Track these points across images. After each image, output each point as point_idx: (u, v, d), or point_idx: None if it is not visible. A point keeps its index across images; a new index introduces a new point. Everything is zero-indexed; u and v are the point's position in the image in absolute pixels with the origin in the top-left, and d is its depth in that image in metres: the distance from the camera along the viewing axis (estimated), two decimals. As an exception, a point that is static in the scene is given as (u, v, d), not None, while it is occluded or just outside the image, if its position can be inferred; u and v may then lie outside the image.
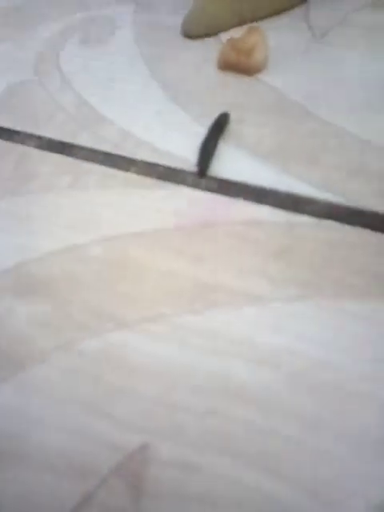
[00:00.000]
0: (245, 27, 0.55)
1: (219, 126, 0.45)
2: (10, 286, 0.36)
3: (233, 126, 0.46)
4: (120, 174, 0.44)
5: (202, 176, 0.42)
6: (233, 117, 0.47)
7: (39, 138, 0.49)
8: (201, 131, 0.46)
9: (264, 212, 0.40)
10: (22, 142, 0.49)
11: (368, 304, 0.33)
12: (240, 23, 0.57)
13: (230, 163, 0.44)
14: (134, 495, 0.26)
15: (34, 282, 0.36)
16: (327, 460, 0.27)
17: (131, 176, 0.44)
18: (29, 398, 0.30)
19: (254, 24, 0.55)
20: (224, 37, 0.56)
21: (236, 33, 0.56)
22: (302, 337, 0.33)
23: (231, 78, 0.52)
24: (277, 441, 0.28)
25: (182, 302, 0.34)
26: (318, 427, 0.29)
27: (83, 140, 0.48)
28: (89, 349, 0.32)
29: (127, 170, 0.44)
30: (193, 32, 0.56)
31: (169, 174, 0.43)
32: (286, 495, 0.26)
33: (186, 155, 0.45)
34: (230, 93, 0.50)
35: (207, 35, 0.57)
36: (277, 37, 0.56)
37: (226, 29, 0.57)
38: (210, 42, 0.56)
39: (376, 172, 0.41)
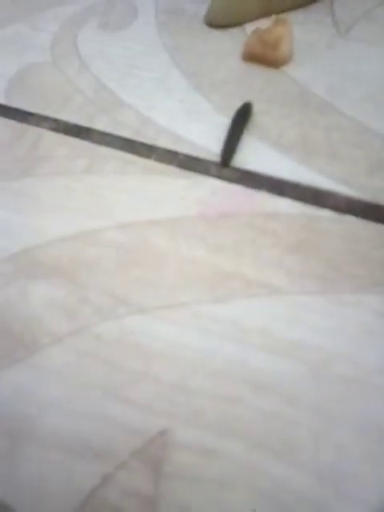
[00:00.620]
0: (270, 19, 0.56)
1: (243, 117, 0.46)
2: (23, 269, 0.37)
3: (256, 118, 0.47)
4: (140, 161, 0.45)
5: (225, 166, 0.43)
6: (257, 108, 0.48)
7: (55, 120, 0.49)
8: (224, 122, 0.47)
9: (284, 204, 0.41)
10: (37, 124, 0.49)
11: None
12: (265, 14, 0.58)
13: (252, 154, 0.44)
14: (154, 478, 0.27)
15: (47, 265, 0.37)
16: (342, 450, 0.28)
17: (151, 163, 0.45)
18: (43, 380, 0.31)
19: (281, 16, 0.56)
20: (249, 28, 0.57)
21: (261, 24, 0.57)
22: (318, 330, 0.33)
23: (256, 70, 0.53)
24: (293, 429, 0.29)
25: (201, 289, 0.35)
26: (335, 418, 0.29)
27: (101, 124, 0.49)
28: (105, 333, 0.33)
29: (147, 156, 0.45)
30: (217, 21, 0.57)
31: (191, 163, 0.44)
32: (301, 482, 0.27)
33: (208, 145, 0.45)
34: (254, 84, 0.51)
35: (231, 25, 0.58)
36: (301, 30, 0.57)
37: (251, 19, 0.58)
38: (234, 32, 0.57)
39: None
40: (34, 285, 0.36)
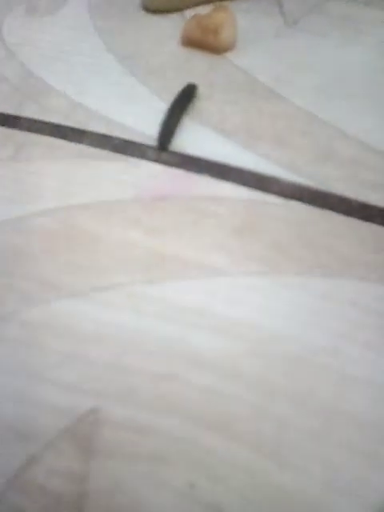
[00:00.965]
0: (210, 5, 0.60)
1: (185, 98, 0.49)
2: None
3: (198, 102, 0.50)
4: (70, 146, 0.47)
5: (162, 149, 0.46)
6: (198, 92, 0.51)
7: (-21, 109, 0.51)
8: (162, 106, 0.50)
9: (227, 189, 0.44)
10: None
11: (329, 282, 0.37)
12: (205, 1, 0.61)
13: (193, 139, 0.47)
14: (84, 457, 0.28)
15: (-30, 253, 0.38)
16: (283, 424, 0.30)
17: (83, 148, 0.47)
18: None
19: (222, 2, 0.60)
20: (189, 13, 0.61)
21: (201, 10, 0.60)
22: (260, 310, 0.36)
23: (197, 55, 0.56)
24: (231, 404, 0.31)
25: (136, 271, 0.37)
26: (277, 394, 0.32)
27: (29, 112, 0.51)
28: (32, 318, 0.35)
29: (79, 141, 0.47)
30: (154, 6, 0.61)
31: (126, 147, 0.47)
32: (239, 455, 0.29)
33: (145, 129, 0.48)
34: (194, 69, 0.54)
35: (170, 11, 0.61)
36: (247, 19, 0.61)
37: (190, 5, 0.61)
38: (173, 17, 0.61)
39: (343, 158, 0.46)
40: None
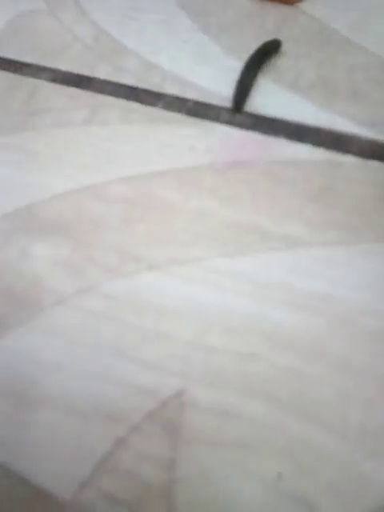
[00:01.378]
0: None
1: (262, 55, 0.44)
2: (22, 227, 0.36)
3: (271, 59, 0.46)
4: (145, 109, 0.44)
5: (237, 111, 0.41)
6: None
7: (53, 70, 0.48)
8: (235, 65, 0.46)
9: (303, 151, 0.40)
10: (34, 75, 0.48)
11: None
12: None
13: (267, 98, 0.43)
14: (171, 442, 0.26)
15: (48, 222, 0.36)
16: (371, 408, 0.27)
17: (157, 111, 0.43)
18: (49, 341, 0.30)
19: None
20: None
21: None
22: (342, 283, 0.33)
23: (268, 8, 0.51)
24: (316, 387, 0.28)
25: (213, 244, 0.34)
26: (362, 374, 0.29)
27: (103, 73, 0.47)
28: (114, 291, 0.32)
29: (153, 104, 0.44)
30: None
31: (200, 110, 0.43)
32: (327, 443, 0.26)
33: (218, 90, 0.44)
34: (267, 23, 0.50)
35: None
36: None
37: None
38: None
39: None
40: (35, 243, 0.35)
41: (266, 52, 0.45)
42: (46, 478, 0.26)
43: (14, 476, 0.26)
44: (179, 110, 0.43)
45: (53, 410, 0.28)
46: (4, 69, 0.48)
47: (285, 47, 0.47)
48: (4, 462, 0.26)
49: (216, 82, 0.45)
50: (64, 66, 0.48)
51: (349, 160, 0.38)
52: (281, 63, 0.46)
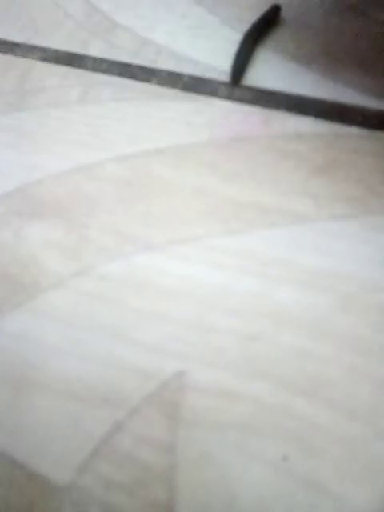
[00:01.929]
0: None
1: (263, 25, 0.43)
2: (17, 208, 0.36)
3: (270, 29, 0.45)
4: (139, 86, 0.43)
5: (235, 83, 0.41)
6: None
7: (44, 49, 0.48)
8: (233, 36, 0.45)
9: (306, 124, 0.39)
10: (25, 55, 0.48)
11: None
12: None
13: (267, 71, 0.43)
14: (171, 424, 0.26)
15: (43, 203, 0.36)
16: (379, 387, 0.27)
17: (152, 87, 0.43)
18: (45, 324, 0.30)
19: None
20: None
21: None
22: (349, 258, 0.32)
23: (266, -23, 0.50)
24: (322, 366, 0.28)
25: (214, 221, 0.34)
26: (370, 352, 0.28)
27: (96, 50, 0.47)
28: (111, 273, 0.32)
29: (148, 80, 0.44)
30: None
31: (196, 85, 0.42)
32: (334, 422, 0.26)
33: (216, 63, 0.44)
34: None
35: None
36: None
37: None
38: None
39: None
40: (29, 225, 0.35)
41: (266, 21, 0.44)
42: (43, 462, 0.26)
43: (11, 461, 0.26)
44: (174, 86, 0.43)
45: (51, 394, 0.28)
46: (-6, 49, 0.48)
47: (284, 16, 0.46)
48: (2, 447, 0.26)
49: (213, 55, 0.44)
50: (56, 44, 0.48)
51: (354, 131, 0.38)
52: (281, 33, 0.45)
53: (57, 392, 0.28)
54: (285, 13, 0.47)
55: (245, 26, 0.45)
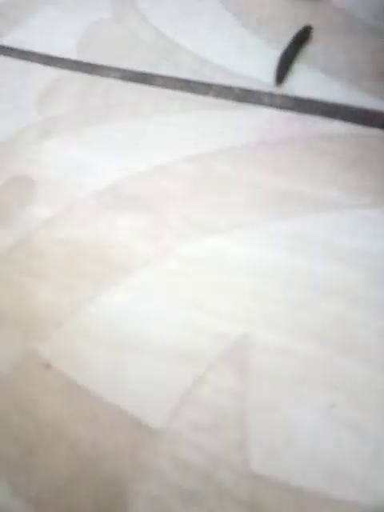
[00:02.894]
0: None
1: (298, 41, 0.40)
2: (108, 203, 0.35)
3: (304, 47, 0.42)
4: (199, 98, 0.41)
5: (279, 82, 0.38)
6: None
7: (122, 70, 0.46)
8: (273, 54, 0.42)
9: (337, 126, 0.36)
10: (107, 75, 0.46)
11: None
12: None
13: (303, 81, 0.40)
14: (241, 377, 0.25)
15: (129, 198, 0.35)
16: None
17: (210, 99, 0.41)
18: (139, 298, 0.29)
19: None
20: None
21: None
22: (377, 239, 0.30)
23: (299, 3, 0.47)
24: (361, 329, 0.26)
25: (267, 209, 0.32)
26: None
27: (163, 69, 0.44)
28: (187, 254, 0.31)
29: (206, 93, 0.41)
30: None
31: (245, 95, 0.40)
32: (370, 377, 0.24)
33: (260, 77, 0.41)
34: (299, 16, 0.45)
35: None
36: None
37: None
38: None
39: None
40: (119, 217, 0.34)
41: (301, 39, 0.41)
42: (142, 410, 0.25)
43: (116, 409, 0.25)
44: (228, 97, 0.40)
45: (145, 354, 0.27)
46: (82, 71, 0.46)
47: (316, 36, 0.43)
48: (101, 396, 0.26)
49: (257, 70, 0.41)
50: (131, 65, 0.46)
51: (377, 133, 0.35)
52: (313, 50, 0.42)
53: (149, 352, 0.27)
54: (315, 32, 0.43)
55: (283, 45, 0.42)
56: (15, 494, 0.23)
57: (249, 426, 0.24)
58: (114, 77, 0.45)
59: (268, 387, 0.25)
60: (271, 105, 0.38)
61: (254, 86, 0.40)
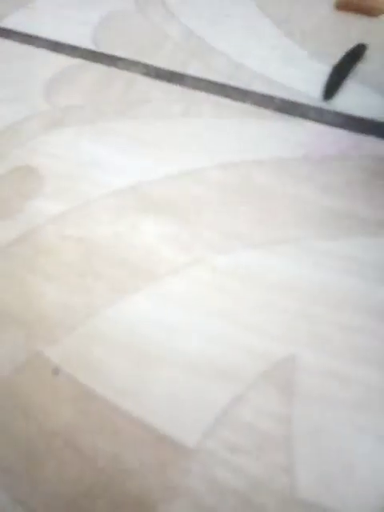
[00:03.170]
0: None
1: (352, 57, 0.46)
2: (130, 204, 0.38)
3: (357, 64, 0.47)
4: (235, 104, 0.45)
5: (327, 98, 0.43)
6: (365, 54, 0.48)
7: (145, 65, 0.50)
8: (322, 68, 0.47)
9: (392, 149, 0.41)
10: (127, 69, 0.50)
11: None
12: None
13: (353, 100, 0.45)
14: (286, 399, 0.27)
15: (155, 201, 0.38)
16: None
17: (247, 107, 0.45)
18: (166, 306, 0.32)
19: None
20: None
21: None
22: None
23: (351, 19, 0.53)
24: None
25: (313, 226, 0.36)
26: None
27: (193, 70, 0.49)
28: (221, 265, 0.34)
29: (243, 101, 0.46)
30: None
31: (288, 107, 0.44)
32: None
33: (306, 90, 0.46)
34: (351, 32, 0.51)
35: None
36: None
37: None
38: (325, -20, 0.57)
39: None
40: (143, 219, 0.37)
41: (354, 56, 0.46)
42: (172, 427, 0.27)
43: (142, 424, 0.27)
44: (268, 107, 0.45)
45: (172, 367, 0.29)
46: (100, 62, 0.50)
47: (369, 54, 0.48)
48: (122, 408, 0.28)
49: (303, 82, 0.46)
50: (156, 61, 0.50)
51: None
52: (366, 68, 0.47)
53: (179, 366, 0.29)
54: (369, 51, 0.49)
55: (332, 60, 0.47)
56: (16, 505, 0.25)
57: (296, 450, 0.26)
58: (136, 71, 0.50)
59: (318, 411, 0.27)
60: (319, 120, 0.43)
61: (298, 99, 0.45)
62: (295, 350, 0.30)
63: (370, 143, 0.40)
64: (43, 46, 0.53)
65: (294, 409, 0.27)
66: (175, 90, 0.47)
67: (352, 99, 0.44)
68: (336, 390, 0.28)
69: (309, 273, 0.33)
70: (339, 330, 0.30)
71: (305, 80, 0.46)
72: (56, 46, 0.53)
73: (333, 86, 0.44)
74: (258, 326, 0.31)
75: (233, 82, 0.47)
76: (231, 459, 0.26)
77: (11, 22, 0.57)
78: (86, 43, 0.53)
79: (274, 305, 0.32)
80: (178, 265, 0.34)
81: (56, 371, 0.29)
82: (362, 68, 0.47)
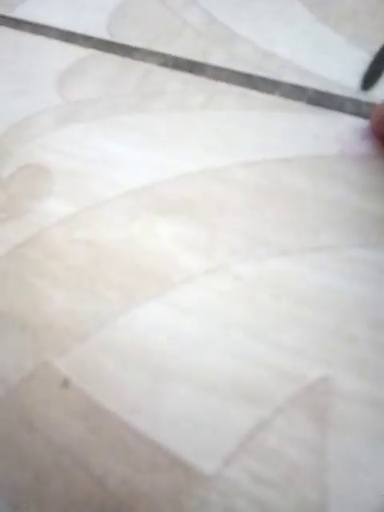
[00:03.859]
0: None
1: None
2: (145, 205, 0.37)
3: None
4: (262, 96, 0.44)
5: (366, 88, 0.42)
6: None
7: (163, 55, 0.49)
8: (361, 55, 0.46)
9: None
10: (143, 59, 0.49)
11: None
12: None
13: (395, 92, 0.43)
14: (319, 427, 0.26)
15: (171, 201, 0.37)
16: None
17: (276, 98, 0.44)
18: (183, 316, 0.31)
19: None
20: None
21: None
22: None
23: (391, 1, 0.51)
24: None
25: (351, 233, 0.34)
26: None
27: (215, 59, 0.48)
28: (244, 273, 0.33)
29: (271, 92, 0.44)
30: None
31: (322, 99, 0.43)
32: None
33: (342, 79, 0.45)
34: (390, 16, 0.50)
35: None
36: None
37: None
38: None
39: None
40: (158, 222, 0.36)
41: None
42: (188, 450, 0.26)
43: (154, 446, 0.26)
44: (299, 99, 0.44)
45: (190, 385, 0.28)
46: (114, 52, 0.50)
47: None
48: (135, 427, 0.27)
49: (339, 72, 0.45)
50: (174, 51, 0.49)
51: None
52: (409, 56, 0.46)
53: (197, 383, 0.28)
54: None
55: (371, 46, 0.46)
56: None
57: (330, 485, 0.25)
58: (153, 62, 0.49)
59: (356, 443, 0.26)
60: (357, 113, 0.42)
61: (334, 90, 0.44)
62: (329, 372, 0.28)
63: (413, 139, 0.39)
64: (55, 37, 0.53)
65: (327, 438, 0.26)
66: (194, 80, 0.46)
67: (393, 91, 0.43)
68: (376, 420, 0.26)
69: (345, 285, 0.32)
70: (379, 352, 0.29)
71: (341, 69, 0.45)
72: (68, 36, 0.52)
73: (373, 76, 0.42)
74: (286, 344, 0.30)
75: (260, 72, 0.46)
76: (255, 491, 0.25)
77: (21, 12, 0.56)
78: (100, 32, 0.52)
79: (304, 320, 0.30)
80: (197, 272, 0.33)
81: (66, 383, 0.28)
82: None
